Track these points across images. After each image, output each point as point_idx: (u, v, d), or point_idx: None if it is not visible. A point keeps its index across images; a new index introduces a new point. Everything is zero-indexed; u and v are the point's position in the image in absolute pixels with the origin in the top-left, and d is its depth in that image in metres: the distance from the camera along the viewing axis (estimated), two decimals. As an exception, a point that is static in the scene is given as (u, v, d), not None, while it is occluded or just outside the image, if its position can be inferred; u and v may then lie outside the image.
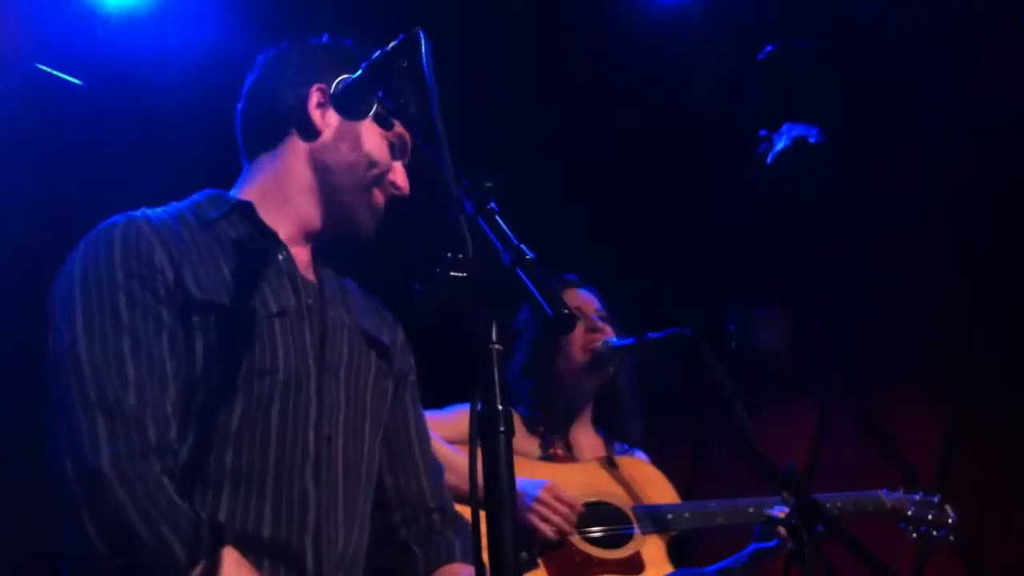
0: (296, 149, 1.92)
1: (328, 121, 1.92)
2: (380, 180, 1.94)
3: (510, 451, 1.33)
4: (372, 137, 1.92)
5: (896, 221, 4.31)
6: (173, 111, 3.40)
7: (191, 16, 3.45)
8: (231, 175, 2.00)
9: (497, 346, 1.36)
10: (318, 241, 1.95)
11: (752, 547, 2.95)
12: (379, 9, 3.23)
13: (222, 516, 1.67)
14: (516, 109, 3.93)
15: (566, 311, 1.30)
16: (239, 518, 1.69)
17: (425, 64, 1.47)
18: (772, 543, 2.90)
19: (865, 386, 4.53)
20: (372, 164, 1.92)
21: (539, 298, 1.31)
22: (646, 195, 4.30)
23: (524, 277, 1.33)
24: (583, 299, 3.15)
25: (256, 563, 1.66)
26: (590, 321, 3.08)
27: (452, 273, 1.41)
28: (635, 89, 4.02)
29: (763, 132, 4.36)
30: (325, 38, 1.98)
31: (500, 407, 1.33)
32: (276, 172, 1.93)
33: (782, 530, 2.85)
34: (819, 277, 4.46)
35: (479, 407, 1.33)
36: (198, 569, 1.57)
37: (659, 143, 4.20)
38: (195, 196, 1.93)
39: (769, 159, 4.35)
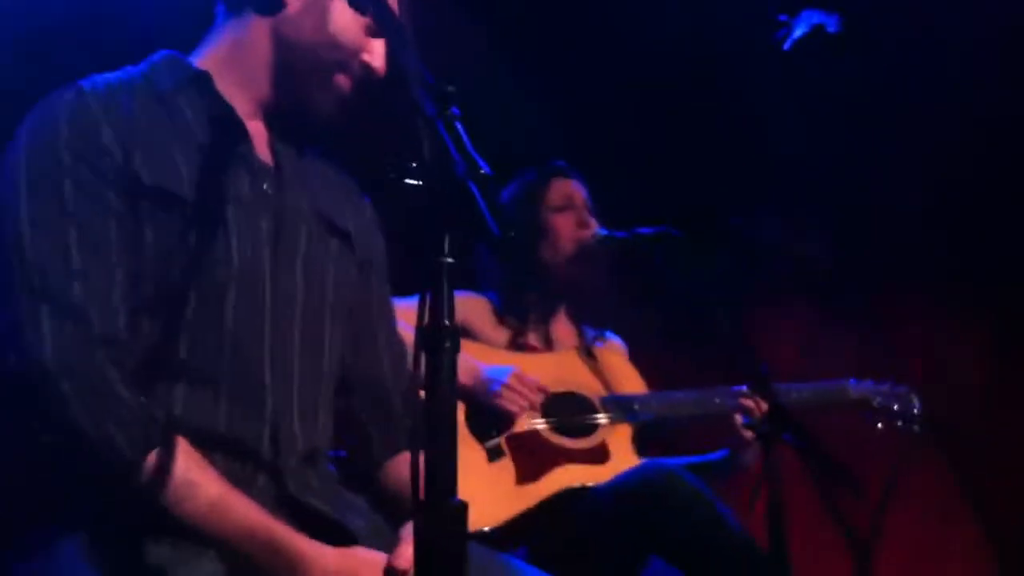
0: (260, 18, 1.81)
1: None
2: (346, 64, 1.83)
3: (454, 368, 1.30)
4: (343, 15, 1.80)
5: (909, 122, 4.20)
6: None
7: None
8: (195, 41, 1.89)
9: (448, 259, 1.31)
10: (278, 118, 1.85)
11: (723, 453, 2.97)
12: None
13: (177, 411, 1.63)
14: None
15: (513, 234, 1.25)
16: (195, 412, 1.65)
17: None
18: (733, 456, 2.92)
19: (864, 287, 4.49)
20: (336, 46, 1.81)
21: (487, 215, 1.25)
22: (663, 96, 4.17)
23: (475, 191, 1.28)
24: (575, 189, 3.09)
25: (210, 457, 1.62)
26: (579, 213, 3.03)
27: (407, 180, 1.35)
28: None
29: (782, 17, 4.20)
30: None
31: (447, 322, 1.29)
32: (237, 41, 1.83)
33: (747, 435, 2.86)
34: (825, 176, 4.36)
35: (425, 322, 1.29)
36: (148, 462, 1.55)
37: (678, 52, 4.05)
38: (152, 57, 1.83)
39: (786, 45, 4.20)
